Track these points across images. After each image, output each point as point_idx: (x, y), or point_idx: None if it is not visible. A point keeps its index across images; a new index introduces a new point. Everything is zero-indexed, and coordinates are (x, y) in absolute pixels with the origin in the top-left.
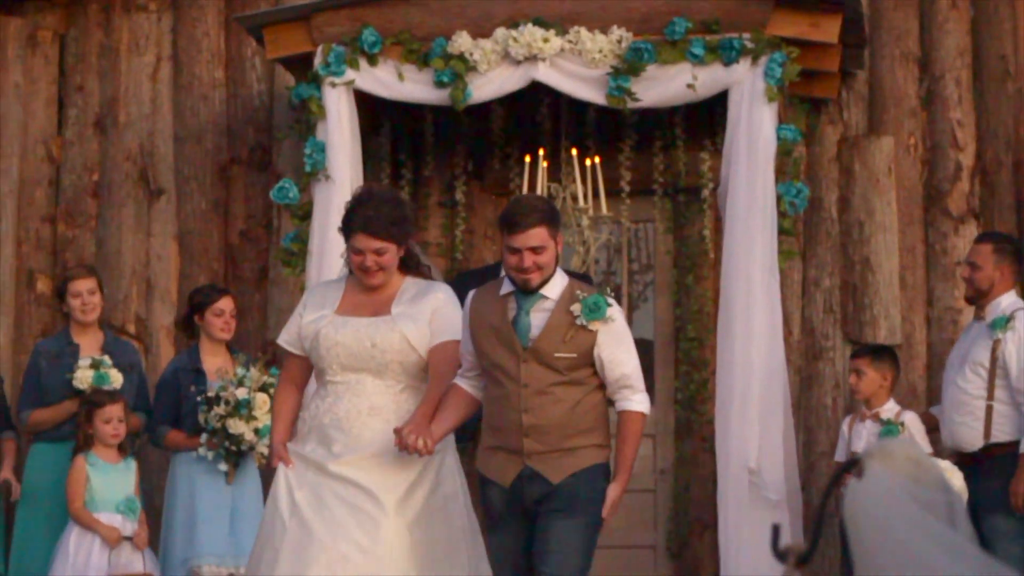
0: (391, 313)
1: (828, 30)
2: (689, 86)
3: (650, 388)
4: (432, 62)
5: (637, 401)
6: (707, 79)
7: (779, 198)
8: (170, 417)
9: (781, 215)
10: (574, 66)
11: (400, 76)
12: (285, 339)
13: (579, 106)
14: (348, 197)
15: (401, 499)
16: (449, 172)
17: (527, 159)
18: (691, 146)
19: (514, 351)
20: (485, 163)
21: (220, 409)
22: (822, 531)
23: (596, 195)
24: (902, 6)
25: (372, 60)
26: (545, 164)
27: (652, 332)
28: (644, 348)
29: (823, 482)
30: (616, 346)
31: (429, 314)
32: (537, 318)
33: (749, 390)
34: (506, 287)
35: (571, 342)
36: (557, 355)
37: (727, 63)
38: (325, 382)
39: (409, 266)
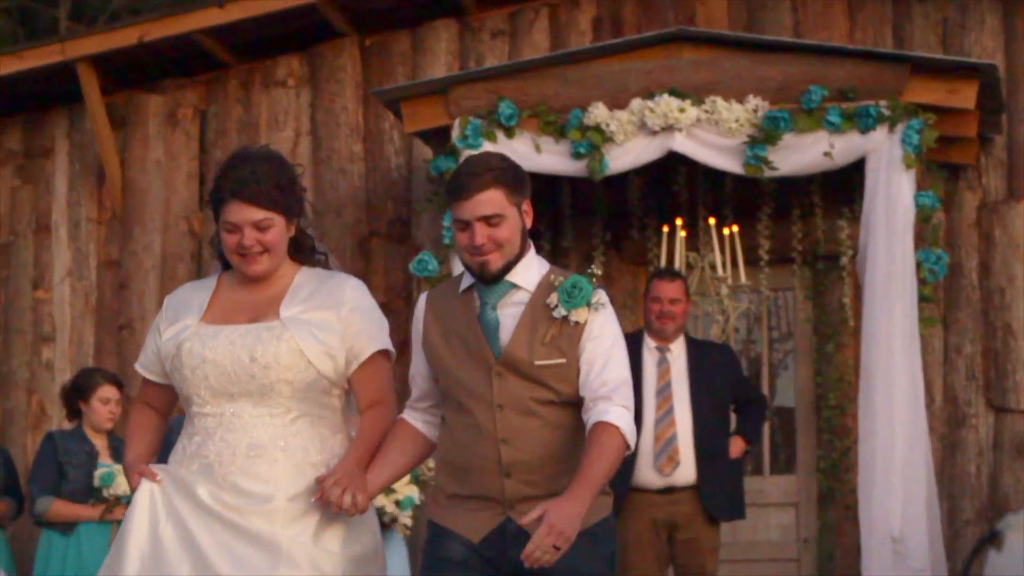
0: (279, 317)
1: (965, 96)
2: (826, 154)
3: (791, 456)
4: (569, 133)
5: (615, 414)
6: (844, 147)
7: (919, 265)
8: (51, 487)
9: (921, 282)
10: (710, 135)
11: (537, 148)
12: (141, 362)
13: (716, 175)
14: None
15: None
16: (587, 243)
17: (665, 229)
18: (829, 213)
19: (483, 361)
20: (623, 233)
21: None
22: None
23: (735, 264)
24: None
25: (509, 132)
26: (683, 234)
27: (793, 400)
28: (785, 416)
29: (968, 551)
30: (602, 343)
31: (340, 317)
32: (508, 315)
33: (892, 458)
34: (466, 280)
35: (554, 343)
36: (538, 363)
37: (864, 130)
38: (192, 416)
39: (302, 252)
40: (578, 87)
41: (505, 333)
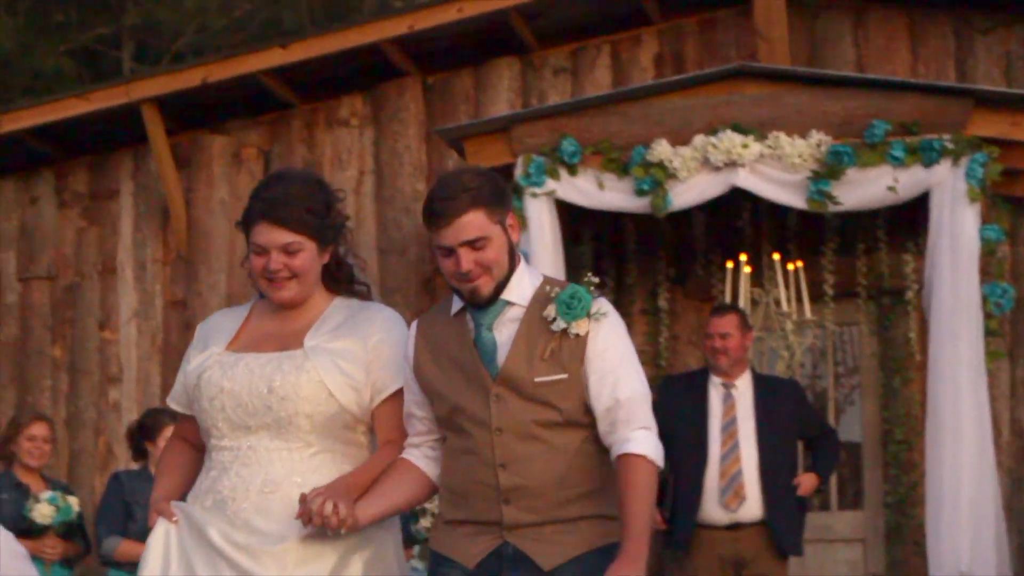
0: (302, 346)
1: None
2: (890, 188)
3: (859, 491)
4: (632, 170)
5: (637, 439)
6: (908, 181)
7: (984, 299)
8: (118, 527)
9: (987, 316)
10: (774, 171)
11: (600, 185)
12: (171, 394)
13: (780, 211)
14: None
15: None
16: (652, 279)
17: (729, 265)
18: (894, 248)
19: (481, 384)
20: (687, 269)
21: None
22: None
23: (800, 299)
24: None
25: (572, 170)
26: (748, 270)
27: (860, 435)
28: (852, 451)
29: None
30: (609, 355)
31: (366, 348)
32: (504, 334)
33: (959, 493)
34: (457, 303)
35: (553, 358)
36: (538, 379)
37: (928, 165)
38: (210, 449)
39: (339, 282)
40: (641, 124)
41: (502, 351)
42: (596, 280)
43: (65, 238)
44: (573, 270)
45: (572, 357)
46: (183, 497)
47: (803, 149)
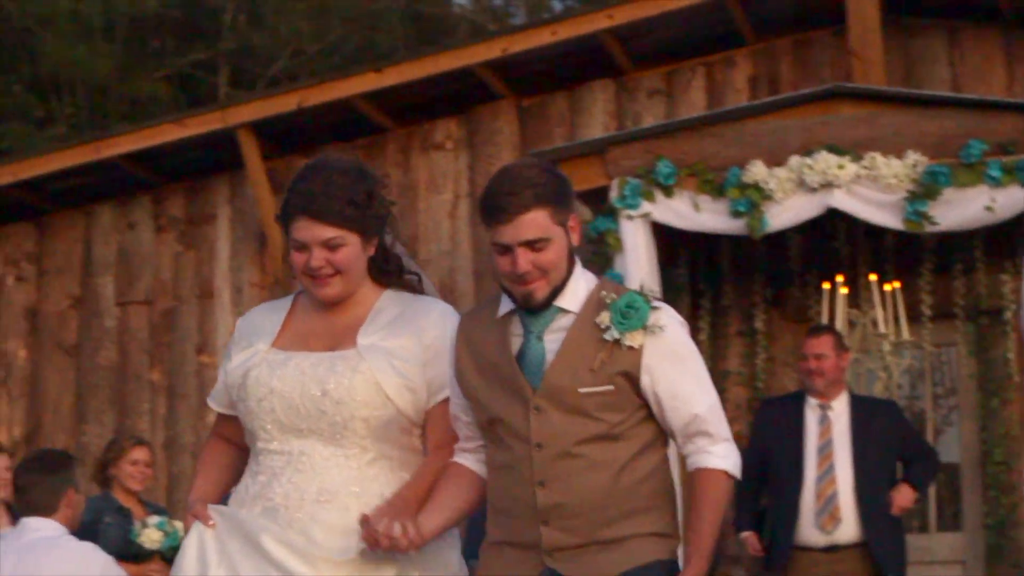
0: (356, 345)
1: None
2: (987, 208)
3: (957, 513)
4: (727, 192)
5: (717, 454)
6: (1005, 201)
7: None
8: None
9: None
10: (870, 192)
11: (696, 207)
12: (211, 394)
13: (877, 231)
14: None
15: None
16: (748, 301)
17: (826, 286)
18: (992, 268)
19: (520, 395)
20: (784, 291)
21: None
22: None
23: (897, 320)
24: None
25: (667, 192)
26: (845, 291)
27: (958, 456)
28: (950, 472)
29: None
30: (676, 371)
31: (423, 345)
32: (552, 341)
33: None
34: (505, 305)
35: (603, 370)
36: (583, 390)
37: None
38: (257, 452)
39: (388, 273)
40: (736, 145)
41: (549, 358)
42: (655, 291)
43: (162, 263)
44: (669, 292)
45: (623, 370)
46: (223, 498)
47: (899, 169)
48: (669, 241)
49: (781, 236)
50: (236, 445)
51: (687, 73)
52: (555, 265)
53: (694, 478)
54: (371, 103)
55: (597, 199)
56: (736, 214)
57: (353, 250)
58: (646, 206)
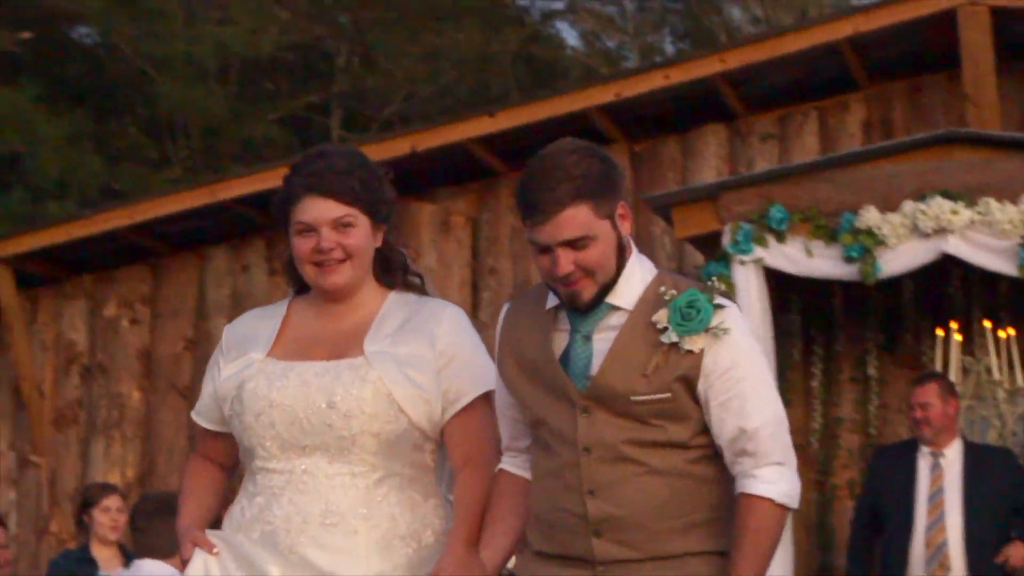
0: (363, 352)
1: None
2: None
3: None
4: (840, 237)
5: (762, 478)
6: None
7: None
8: None
9: None
10: (984, 237)
11: (808, 252)
12: (196, 408)
13: (991, 277)
14: None
15: None
16: (861, 347)
17: (939, 332)
18: None
19: (565, 396)
20: (897, 337)
21: None
22: None
23: (1011, 367)
24: None
25: (780, 237)
26: (958, 337)
27: None
28: None
29: None
30: (732, 378)
31: (435, 352)
32: (602, 340)
33: None
34: (553, 297)
35: (658, 374)
36: (636, 398)
37: None
38: (254, 472)
39: (392, 272)
40: (849, 190)
41: (597, 362)
42: (722, 287)
43: None
44: (782, 338)
45: (681, 376)
46: (212, 524)
47: (1014, 215)
48: (781, 286)
49: (894, 282)
50: (220, 466)
51: (800, 117)
52: (601, 264)
53: (737, 506)
54: (484, 147)
55: (709, 244)
56: (849, 260)
57: (363, 233)
58: (759, 251)
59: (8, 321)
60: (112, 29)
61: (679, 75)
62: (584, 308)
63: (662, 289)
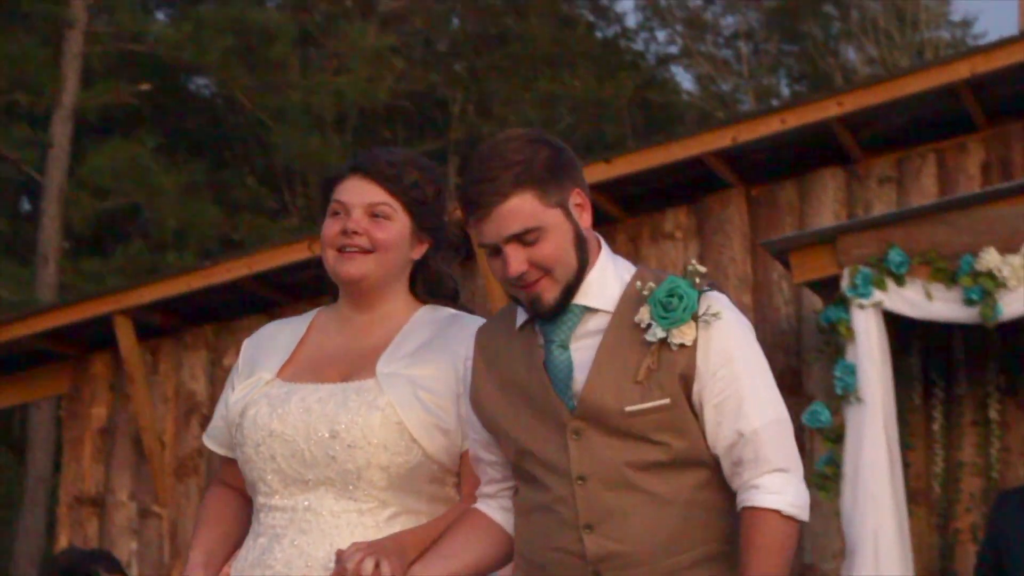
0: (375, 374)
1: None
2: None
3: None
4: (960, 280)
5: (766, 488)
6: None
7: None
8: None
9: None
10: None
11: (928, 295)
12: (209, 433)
13: None
14: (881, 419)
15: None
16: (982, 390)
17: None
18: None
19: (554, 418)
20: (1018, 379)
21: None
22: None
23: None
24: None
25: (899, 280)
26: None
27: None
28: None
29: None
30: (726, 374)
31: (457, 375)
32: (584, 348)
33: None
34: (522, 312)
35: (652, 379)
36: (630, 408)
37: None
38: (258, 509)
39: (428, 282)
40: (969, 232)
41: (580, 374)
42: (703, 269)
43: None
44: (902, 382)
45: (680, 375)
46: (230, 554)
47: None
48: (901, 330)
49: (1015, 324)
50: (241, 492)
51: (917, 160)
52: (557, 259)
53: (742, 522)
54: (600, 193)
55: (828, 288)
56: (969, 302)
57: (399, 230)
58: (878, 295)
59: (129, 372)
60: (230, 80)
61: (795, 119)
62: (549, 312)
63: (639, 284)
